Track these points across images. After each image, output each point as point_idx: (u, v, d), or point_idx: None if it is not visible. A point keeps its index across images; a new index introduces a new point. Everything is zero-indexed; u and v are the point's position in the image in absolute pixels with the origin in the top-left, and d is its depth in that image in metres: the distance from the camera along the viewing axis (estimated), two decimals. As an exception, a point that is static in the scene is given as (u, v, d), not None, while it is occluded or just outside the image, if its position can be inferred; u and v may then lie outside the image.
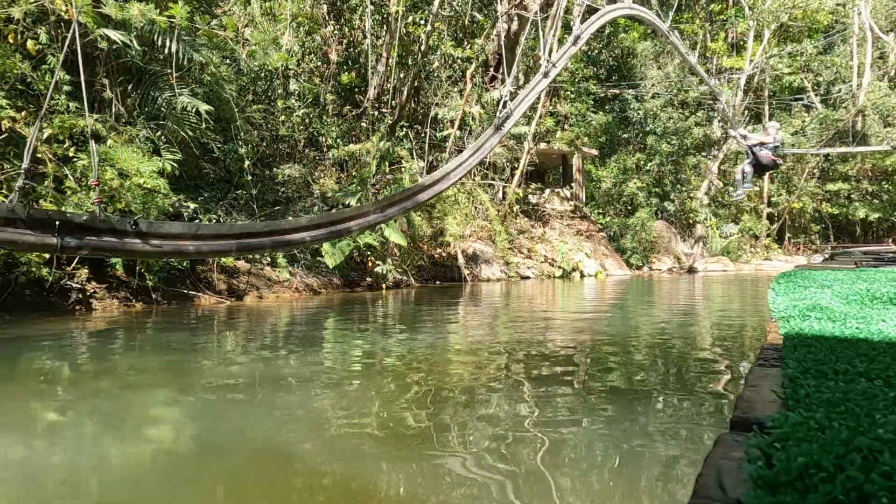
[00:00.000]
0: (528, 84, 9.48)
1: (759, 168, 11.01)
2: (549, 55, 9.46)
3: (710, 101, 29.92)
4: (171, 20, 9.72)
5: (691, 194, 29.08)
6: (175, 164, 9.82)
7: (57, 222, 3.78)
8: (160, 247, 4.48)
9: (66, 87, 8.48)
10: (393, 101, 17.11)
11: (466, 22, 20.57)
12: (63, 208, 8.16)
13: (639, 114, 29.36)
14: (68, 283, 8.61)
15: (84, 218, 3.94)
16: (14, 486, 2.50)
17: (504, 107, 8.54)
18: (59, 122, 8.37)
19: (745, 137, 11.31)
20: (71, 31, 4.64)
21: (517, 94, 9.32)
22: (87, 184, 7.68)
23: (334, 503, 2.34)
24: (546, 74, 9.24)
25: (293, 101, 15.44)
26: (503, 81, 20.26)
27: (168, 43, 9.99)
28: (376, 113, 17.01)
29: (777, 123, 11.47)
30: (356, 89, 17.94)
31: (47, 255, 7.94)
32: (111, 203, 8.34)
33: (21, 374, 4.69)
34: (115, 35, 8.79)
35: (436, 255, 16.30)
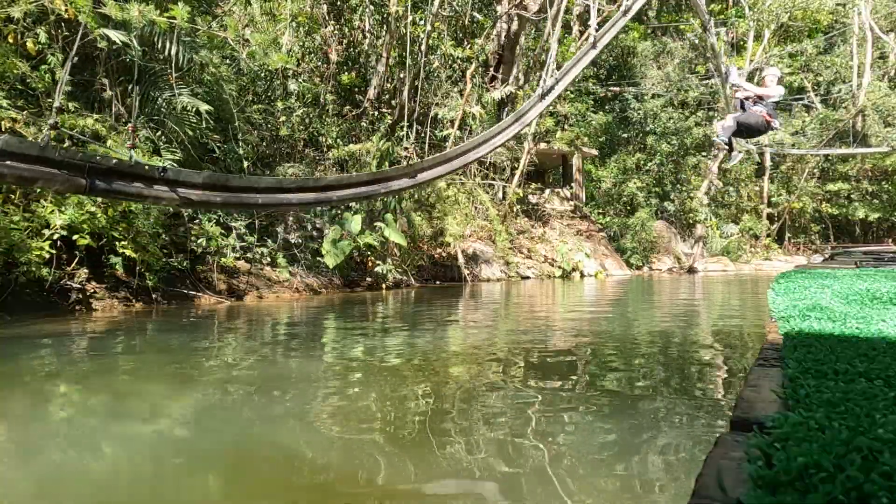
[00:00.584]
0: (575, 55, 9.24)
1: (749, 131, 8.18)
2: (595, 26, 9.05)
3: (711, 101, 29.94)
4: (172, 21, 9.72)
5: (691, 194, 29.09)
6: (175, 164, 9.82)
7: (87, 164, 3.77)
8: (188, 196, 4.37)
9: (66, 88, 8.47)
10: (393, 101, 17.11)
11: (466, 22, 20.56)
12: (63, 208, 8.17)
13: (639, 114, 29.36)
14: (68, 283, 8.61)
15: (113, 162, 3.91)
16: (10, 485, 2.50)
17: (549, 76, 8.18)
18: (59, 121, 8.36)
19: (737, 86, 8.45)
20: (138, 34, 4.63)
21: (562, 64, 9.05)
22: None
23: (334, 503, 2.34)
24: (594, 45, 9.00)
25: (293, 101, 15.43)
26: (503, 81, 20.27)
27: (168, 44, 9.99)
28: (376, 113, 17.00)
29: (777, 71, 8.22)
30: (356, 89, 17.93)
31: (45, 257, 7.93)
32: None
33: (20, 374, 4.69)
34: (115, 35, 8.80)
35: (436, 255, 16.29)
